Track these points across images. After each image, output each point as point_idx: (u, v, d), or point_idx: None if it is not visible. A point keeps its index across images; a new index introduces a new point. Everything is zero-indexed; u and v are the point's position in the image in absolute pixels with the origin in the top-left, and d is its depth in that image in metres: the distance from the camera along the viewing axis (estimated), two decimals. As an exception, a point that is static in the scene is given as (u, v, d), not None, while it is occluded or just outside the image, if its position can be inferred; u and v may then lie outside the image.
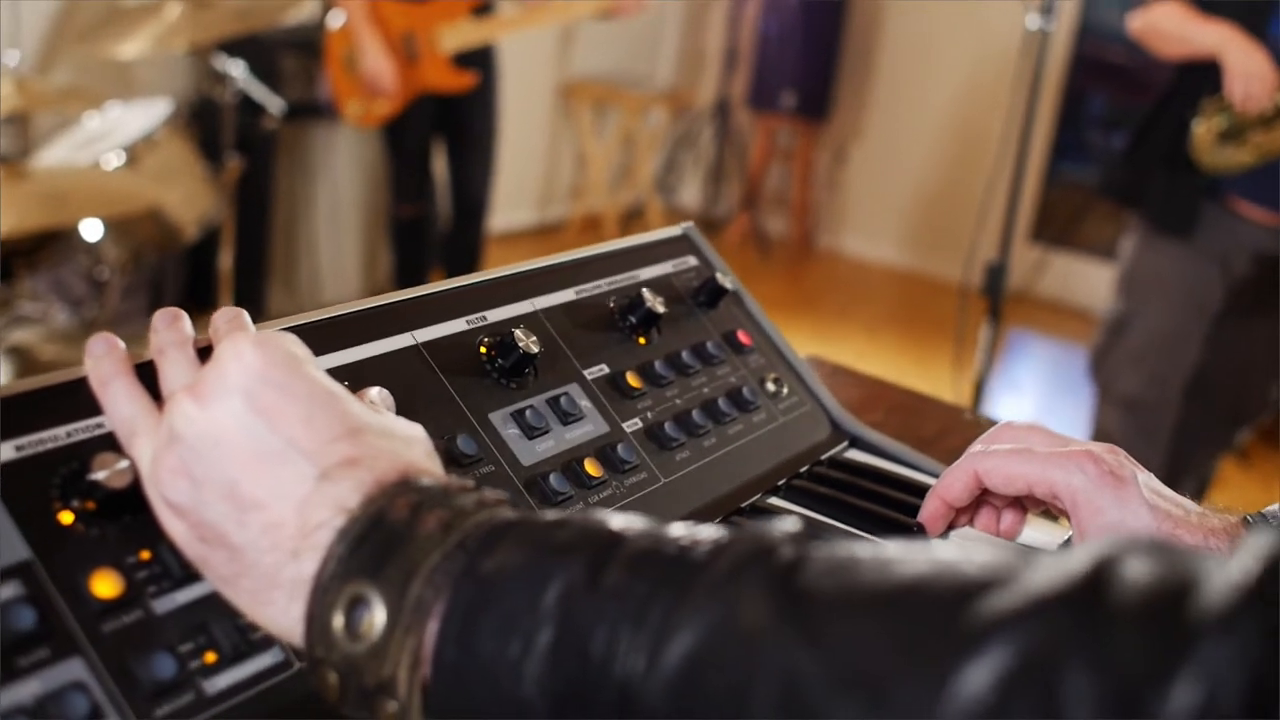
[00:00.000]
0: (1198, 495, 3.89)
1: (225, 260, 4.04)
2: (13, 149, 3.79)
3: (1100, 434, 3.83)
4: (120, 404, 0.76)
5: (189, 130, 3.95)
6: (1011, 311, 6.23)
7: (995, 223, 4.06)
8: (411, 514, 0.66)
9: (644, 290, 1.16)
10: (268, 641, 0.77)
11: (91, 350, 0.78)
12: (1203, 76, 3.23)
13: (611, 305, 1.17)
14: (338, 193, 5.41)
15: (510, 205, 6.94)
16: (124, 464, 0.74)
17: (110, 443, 0.77)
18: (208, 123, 4.27)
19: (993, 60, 6.89)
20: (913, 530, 1.09)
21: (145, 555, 0.75)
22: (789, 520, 0.64)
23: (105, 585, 0.72)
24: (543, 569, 0.62)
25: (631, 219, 7.76)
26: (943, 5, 7.17)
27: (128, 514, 0.75)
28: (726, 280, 1.27)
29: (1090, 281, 6.67)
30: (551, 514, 0.67)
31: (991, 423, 1.68)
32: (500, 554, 0.63)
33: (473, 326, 1.04)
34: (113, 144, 3.68)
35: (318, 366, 0.77)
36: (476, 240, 5.11)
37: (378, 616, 0.63)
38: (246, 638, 0.75)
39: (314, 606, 0.66)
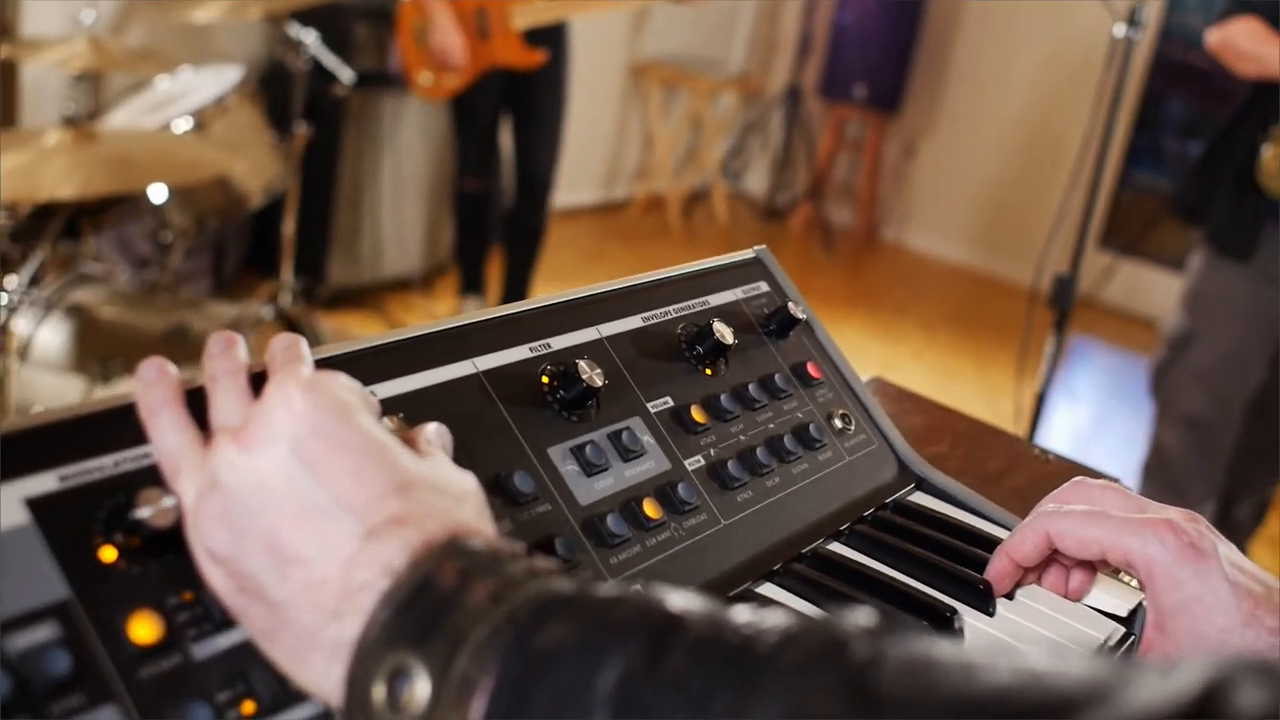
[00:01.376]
0: (1256, 519, 3.85)
1: (288, 227, 4.03)
2: (83, 109, 3.79)
3: (1159, 451, 3.77)
4: (167, 436, 0.73)
5: (259, 96, 3.94)
6: (1075, 318, 6.12)
7: (1067, 229, 3.99)
8: (460, 581, 0.63)
9: (714, 321, 1.13)
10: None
11: (142, 375, 0.75)
12: (1276, 98, 3.15)
13: (679, 333, 1.14)
14: (403, 164, 5.40)
15: (575, 183, 6.91)
16: (169, 502, 0.71)
17: (158, 475, 0.74)
18: (278, 89, 4.26)
19: (1070, 63, 6.78)
20: (979, 587, 1.05)
21: (187, 596, 0.72)
22: (863, 611, 0.60)
23: (145, 629, 0.69)
24: (598, 650, 0.58)
25: (695, 202, 7.72)
26: (1023, 5, 7.05)
27: (172, 552, 0.72)
28: (799, 310, 1.23)
29: (1157, 291, 6.56)
30: (607, 587, 0.64)
31: (1060, 461, 1.64)
32: (552, 630, 0.60)
33: (535, 354, 1.00)
34: (182, 109, 3.67)
35: (370, 410, 0.74)
36: (540, 218, 5.09)
37: (420, 689, 0.60)
38: (286, 688, 0.72)
39: (355, 673, 0.63)
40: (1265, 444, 3.71)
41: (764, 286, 1.27)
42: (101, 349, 3.19)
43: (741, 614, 0.60)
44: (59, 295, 3.25)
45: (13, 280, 3.17)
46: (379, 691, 0.62)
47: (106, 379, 3.13)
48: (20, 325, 3.19)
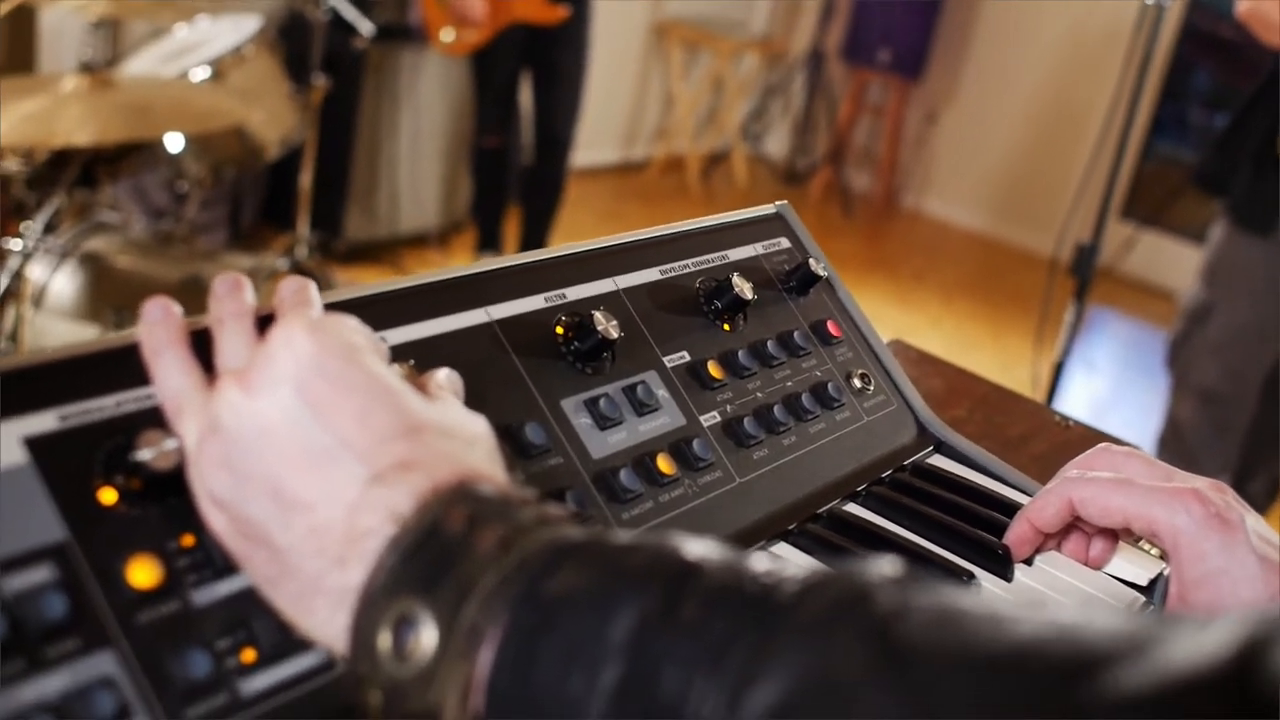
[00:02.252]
0: (1270, 495, 3.82)
1: (305, 179, 4.01)
2: (101, 56, 3.76)
3: (1173, 424, 3.74)
4: (170, 377, 0.71)
5: (277, 47, 3.91)
6: (1095, 288, 6.08)
7: (1089, 199, 3.94)
8: (468, 527, 0.61)
9: (733, 275, 1.10)
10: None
11: (146, 315, 0.73)
12: (1304, 71, 3.10)
13: (698, 287, 1.11)
14: (421, 118, 5.36)
15: (594, 142, 6.87)
16: (171, 444, 0.69)
17: (160, 417, 0.72)
18: (297, 40, 4.23)
19: (1096, 32, 6.70)
20: (997, 552, 1.03)
21: (188, 541, 0.70)
22: (886, 561, 0.57)
23: (143, 573, 0.68)
24: (612, 597, 0.56)
25: (715, 164, 7.67)
26: (1050, -28, 6.97)
27: (173, 495, 0.71)
28: (820, 266, 1.20)
29: (1178, 263, 6.50)
30: (621, 534, 0.62)
31: (1081, 427, 1.61)
32: (564, 577, 0.57)
33: (550, 304, 0.98)
34: (200, 58, 3.64)
35: (379, 354, 0.71)
36: (558, 176, 5.06)
37: (427, 638, 0.58)
38: (289, 636, 0.70)
39: (359, 621, 0.61)
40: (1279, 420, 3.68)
41: (785, 243, 1.25)
42: (116, 298, 3.17)
43: (761, 563, 0.58)
44: (74, 243, 3.23)
45: (28, 227, 3.16)
46: (384, 640, 0.60)
47: (120, 327, 3.11)
48: (35, 272, 3.18)
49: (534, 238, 5.12)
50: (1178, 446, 3.75)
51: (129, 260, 3.30)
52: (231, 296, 0.75)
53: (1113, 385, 5.94)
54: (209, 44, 3.75)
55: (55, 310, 3.16)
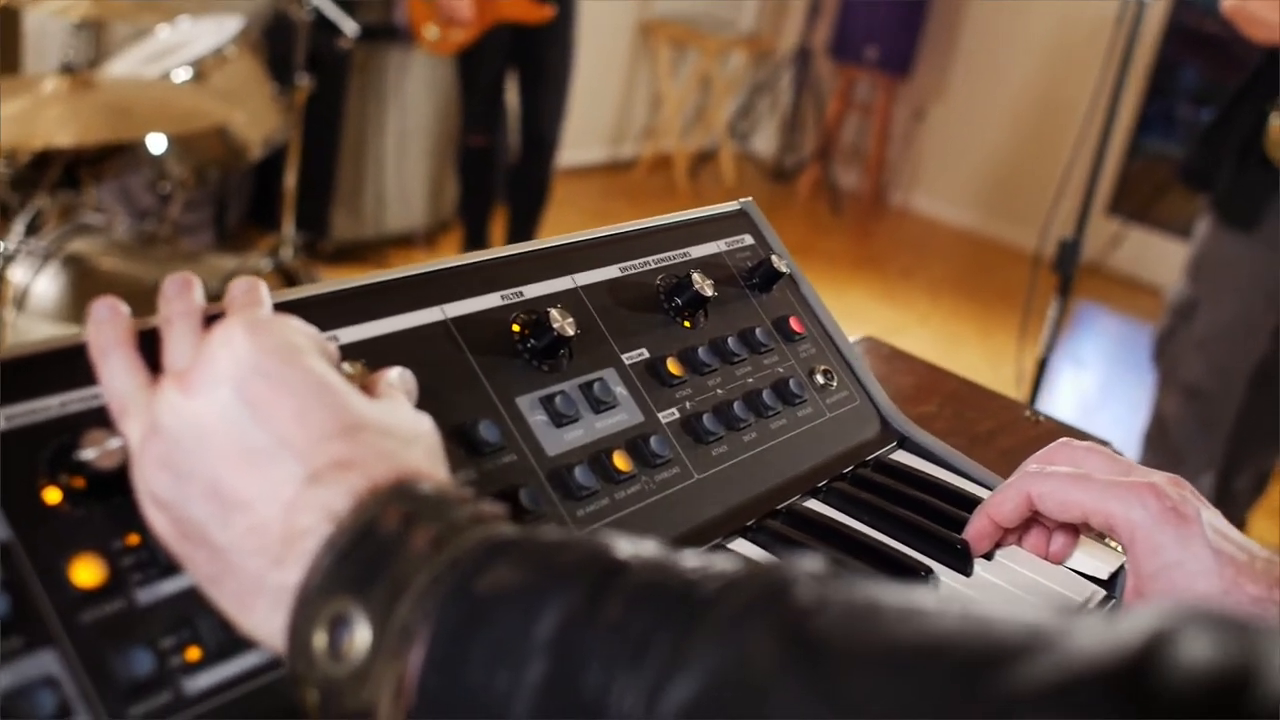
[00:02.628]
0: (1256, 490, 3.82)
1: (290, 180, 4.01)
2: (83, 58, 3.76)
3: (1159, 419, 3.75)
4: (116, 377, 0.71)
5: (260, 47, 3.91)
6: (1082, 284, 6.09)
7: (1073, 195, 3.95)
8: (403, 526, 0.61)
9: (693, 272, 1.10)
10: (256, 638, 0.72)
11: (94, 315, 0.74)
12: (1289, 67, 3.10)
13: (658, 284, 1.11)
14: (408, 118, 5.36)
15: (582, 141, 6.87)
16: (114, 443, 0.70)
17: (105, 417, 0.72)
18: (283, 40, 4.23)
19: (1082, 29, 6.71)
20: (956, 547, 1.04)
21: (133, 540, 0.70)
22: (811, 558, 0.58)
23: (87, 572, 0.68)
24: (539, 594, 0.57)
25: (703, 163, 7.67)
26: (1036, -33, 6.98)
27: (118, 495, 0.71)
28: (782, 263, 1.20)
29: (1166, 259, 6.51)
30: (554, 532, 0.62)
31: (1051, 422, 1.62)
32: (495, 575, 0.58)
33: (507, 302, 0.98)
34: (182, 59, 3.64)
35: (324, 353, 0.72)
36: (545, 175, 5.06)
37: (361, 638, 0.59)
38: (232, 635, 0.70)
39: (296, 620, 0.62)
40: (1267, 415, 3.68)
41: (748, 239, 1.25)
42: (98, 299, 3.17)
43: (691, 560, 0.58)
44: (57, 245, 3.23)
45: (11, 229, 3.16)
46: (320, 639, 0.60)
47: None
48: (18, 274, 3.17)
49: (520, 237, 5.12)
50: (1163, 442, 3.75)
51: (112, 262, 3.30)
52: (180, 297, 0.75)
53: (1101, 381, 5.95)
54: (191, 45, 3.75)
55: (38, 313, 3.16)
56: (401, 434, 0.69)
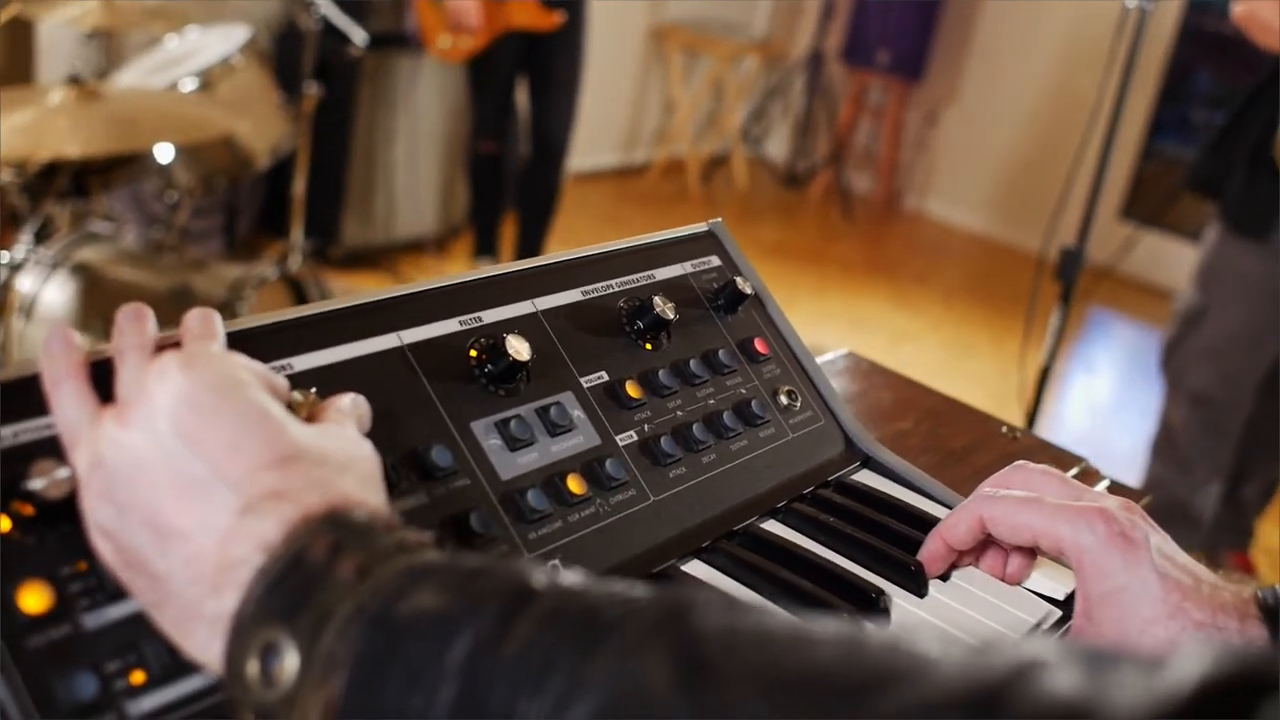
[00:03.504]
0: (1265, 498, 3.81)
1: (299, 187, 4.04)
2: (92, 68, 3.80)
3: (1167, 428, 3.74)
4: (67, 409, 0.74)
5: (270, 56, 3.94)
6: (1095, 289, 6.10)
7: (1080, 201, 3.94)
8: (330, 555, 0.64)
9: (655, 296, 1.12)
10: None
11: (47, 346, 0.76)
12: (1299, 75, 3.10)
13: (620, 307, 1.13)
14: (418, 125, 5.39)
15: (594, 146, 6.89)
16: (63, 473, 0.72)
17: (55, 447, 0.75)
18: (293, 49, 4.26)
19: (1094, 32, 6.69)
20: (910, 569, 1.05)
21: (81, 567, 0.73)
22: (716, 591, 0.60)
23: (34, 599, 0.70)
24: (453, 619, 0.59)
25: (715, 168, 7.68)
26: (1049, -28, 6.97)
27: (67, 522, 0.73)
28: (747, 284, 1.22)
29: (1179, 264, 6.49)
30: (476, 559, 0.64)
31: (1029, 438, 1.63)
32: (414, 600, 0.60)
33: (466, 328, 1.00)
34: (189, 69, 3.68)
35: (267, 385, 0.74)
36: (554, 181, 5.09)
37: (290, 665, 0.61)
38: (177, 659, 0.73)
39: (231, 648, 0.64)
40: (1275, 423, 3.68)
41: (715, 260, 1.26)
42: (106, 308, 3.21)
43: (604, 586, 0.60)
44: (65, 253, 3.27)
45: (19, 237, 3.20)
46: (253, 666, 0.62)
47: (109, 338, 3.14)
48: (26, 283, 3.21)
49: (531, 242, 5.15)
50: (1171, 451, 3.75)
51: (119, 270, 3.34)
52: (132, 329, 0.78)
53: (1113, 387, 5.95)
54: (198, 55, 3.78)
55: (46, 321, 3.20)
56: (337, 461, 0.71)
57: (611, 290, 1.14)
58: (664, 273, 1.20)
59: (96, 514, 0.70)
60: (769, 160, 8.20)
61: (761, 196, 7.65)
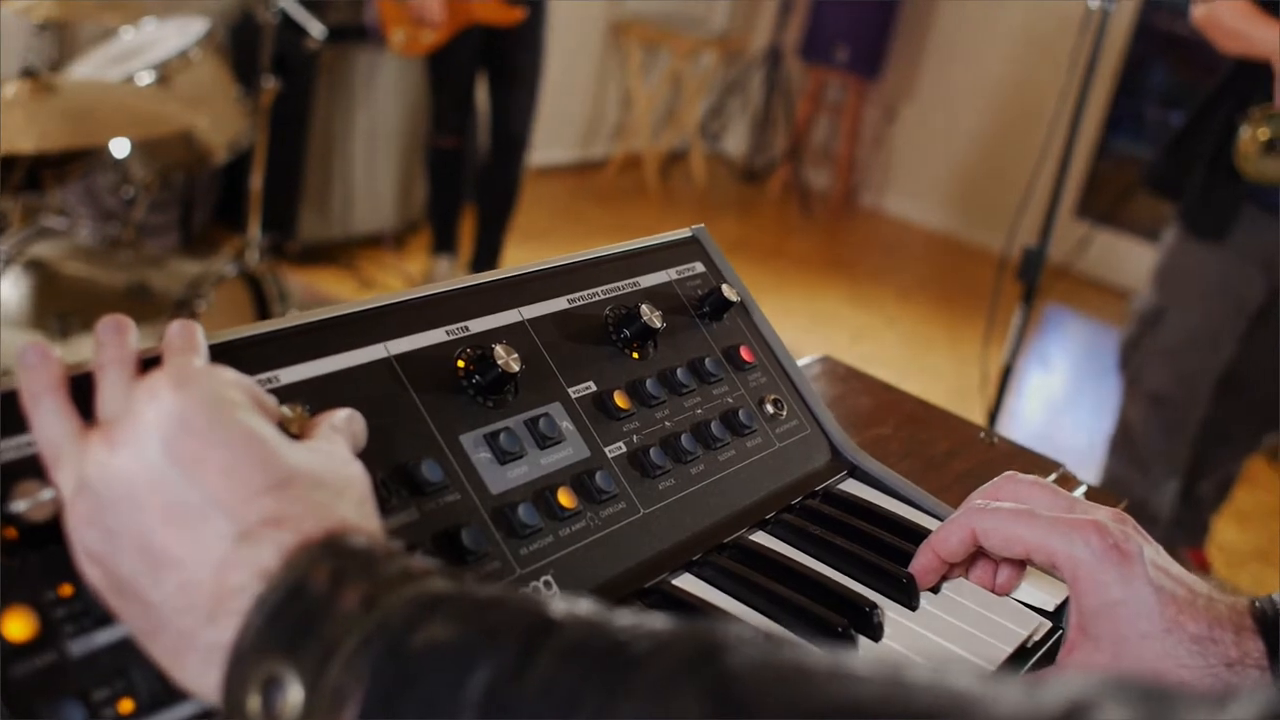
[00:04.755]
0: (1220, 494, 3.85)
1: (256, 182, 3.99)
2: (46, 60, 3.73)
3: (1124, 427, 3.77)
4: (47, 426, 0.71)
5: (227, 49, 3.89)
6: (1050, 287, 6.11)
7: (1040, 199, 3.96)
8: (332, 584, 0.61)
9: (642, 304, 1.10)
10: (191, 688, 0.72)
11: (23, 360, 0.73)
12: (1257, 78, 3.11)
13: (606, 316, 1.11)
14: (377, 119, 5.35)
15: (552, 141, 6.86)
16: (47, 495, 0.69)
17: (38, 466, 0.72)
18: (250, 42, 4.21)
19: (1050, 31, 6.74)
20: (902, 581, 1.04)
21: (66, 591, 0.70)
22: (746, 625, 0.58)
23: (18, 626, 0.67)
24: (469, 653, 0.57)
25: (673, 163, 7.67)
26: (1005, -31, 7.00)
27: (52, 544, 0.70)
28: (733, 292, 1.20)
29: (1135, 262, 6.55)
30: (488, 588, 0.62)
31: (1006, 444, 1.62)
32: (426, 632, 0.58)
33: (452, 338, 0.98)
34: (145, 62, 3.62)
35: (257, 403, 0.72)
36: (514, 176, 5.06)
37: (294, 699, 0.59)
38: (167, 686, 0.70)
39: (230, 679, 0.62)
40: (1233, 422, 3.71)
41: (699, 267, 1.25)
42: (60, 305, 3.16)
43: (625, 619, 0.58)
44: (18, 249, 3.21)
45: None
46: (254, 701, 0.60)
47: (65, 335, 3.10)
48: (-22, 279, 3.16)
49: (490, 238, 5.12)
50: (1128, 450, 3.78)
51: (74, 266, 3.29)
52: (113, 342, 0.75)
53: (1068, 384, 5.99)
54: (154, 48, 3.73)
55: (-1, 317, 3.14)
56: (332, 485, 0.69)
57: (597, 298, 1.12)
58: (649, 280, 1.18)
59: (84, 539, 0.67)
60: (727, 156, 8.19)
61: (720, 192, 7.65)
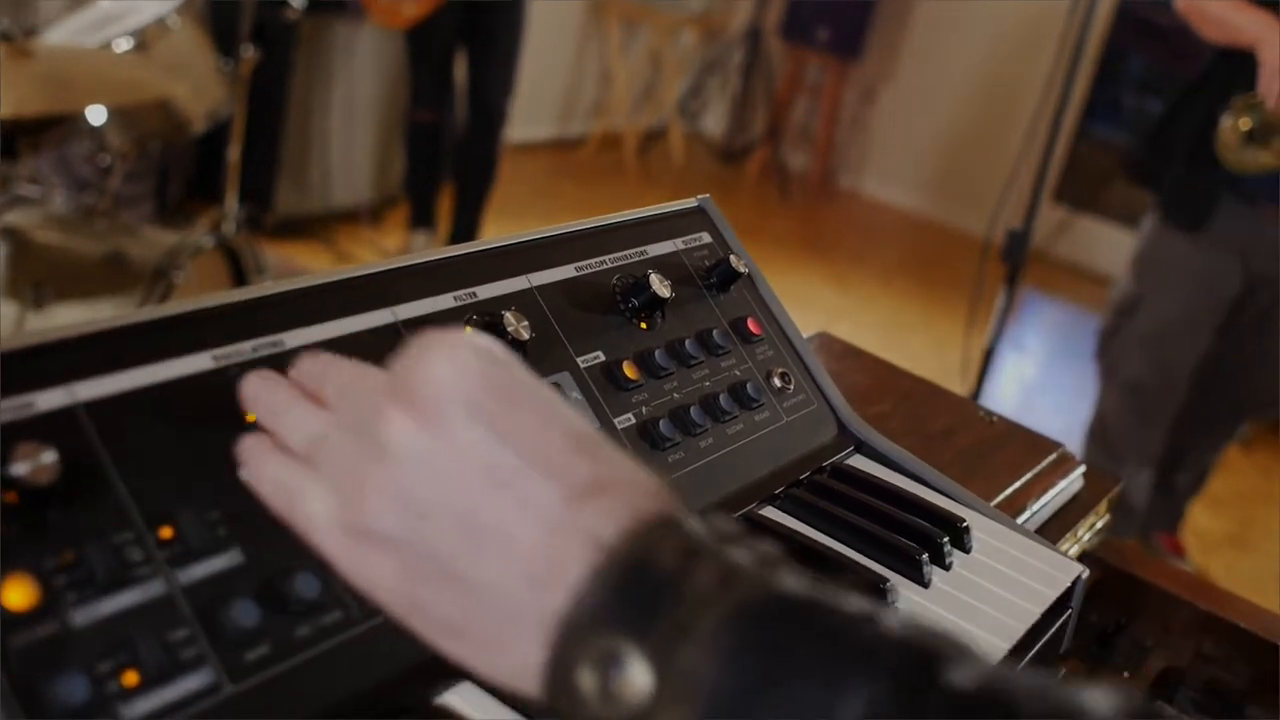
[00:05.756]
0: (1195, 483, 3.86)
1: (233, 153, 3.93)
2: (19, 25, 3.67)
3: (1101, 415, 3.76)
4: (306, 422, 0.68)
5: (204, 18, 3.83)
6: (1027, 271, 6.12)
7: (1021, 183, 3.95)
8: (683, 562, 0.55)
9: (650, 273, 1.08)
10: (198, 660, 0.69)
11: (252, 384, 0.72)
12: (1240, 67, 3.10)
13: (614, 284, 1.09)
14: (355, 92, 5.30)
15: (530, 117, 6.82)
16: (49, 457, 0.66)
17: (38, 428, 0.69)
18: (226, 11, 4.15)
19: (1031, 14, 6.74)
20: (914, 557, 1.02)
21: (68, 558, 0.67)
22: (1113, 693, 0.53)
23: (18, 594, 0.64)
24: (841, 674, 0.52)
25: (652, 142, 7.64)
26: (987, -47, 6.99)
27: (55, 509, 0.68)
28: (740, 263, 1.18)
29: (1111, 247, 6.56)
30: (854, 601, 0.56)
31: (1005, 422, 1.61)
32: (790, 635, 0.53)
33: (461, 303, 0.95)
34: (123, 28, 3.56)
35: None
36: (492, 151, 5.02)
37: (639, 681, 0.54)
38: (174, 656, 0.68)
39: (559, 654, 0.56)
40: (1210, 412, 3.71)
41: (706, 237, 1.22)
42: (35, 273, 3.10)
43: (1024, 676, 0.54)
44: (-8, 216, 3.16)
45: (-56, 200, 3.08)
46: (587, 678, 0.55)
47: (39, 305, 3.05)
48: (-49, 247, 3.10)
49: (468, 214, 5.08)
50: (1105, 439, 3.77)
51: (49, 235, 3.23)
52: (269, 391, 0.72)
53: (1043, 369, 5.99)
54: (132, 14, 3.66)
55: (-27, 286, 3.09)
56: (629, 460, 0.64)
57: (605, 266, 1.09)
58: (656, 249, 1.16)
59: (378, 520, 0.61)
60: (706, 135, 8.16)
61: (698, 171, 7.62)
